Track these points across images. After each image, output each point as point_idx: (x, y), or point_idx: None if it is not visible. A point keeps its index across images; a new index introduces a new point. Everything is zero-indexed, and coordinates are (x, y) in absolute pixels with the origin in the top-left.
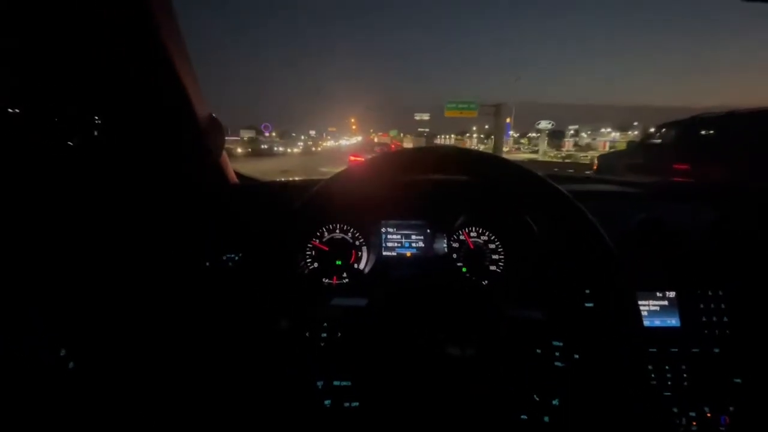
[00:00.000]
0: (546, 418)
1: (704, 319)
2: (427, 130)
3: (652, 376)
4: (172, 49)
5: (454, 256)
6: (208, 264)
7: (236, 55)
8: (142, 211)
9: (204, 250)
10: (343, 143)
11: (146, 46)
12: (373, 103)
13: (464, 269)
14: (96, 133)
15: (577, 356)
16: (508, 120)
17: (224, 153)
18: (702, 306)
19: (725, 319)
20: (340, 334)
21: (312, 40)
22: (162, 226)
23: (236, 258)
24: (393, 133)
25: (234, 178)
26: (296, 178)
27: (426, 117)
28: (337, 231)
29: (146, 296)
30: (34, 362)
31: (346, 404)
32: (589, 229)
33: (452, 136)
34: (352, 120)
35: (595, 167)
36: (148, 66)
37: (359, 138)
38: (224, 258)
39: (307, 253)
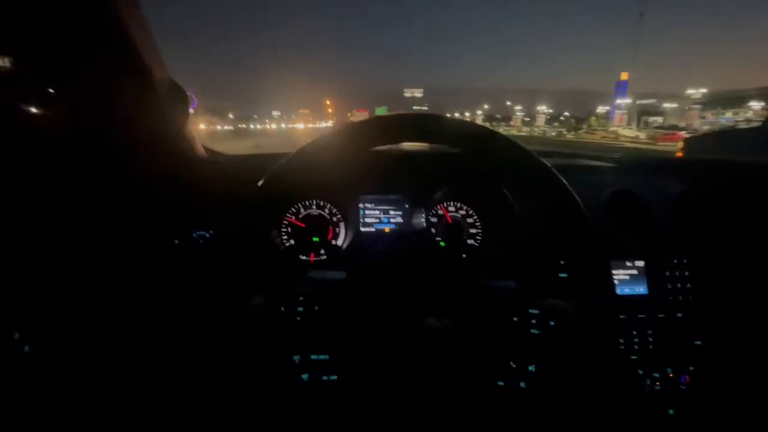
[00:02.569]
0: (522, 384)
1: (670, 286)
2: (425, 107)
3: (620, 341)
4: (126, 12)
5: (433, 230)
6: (177, 242)
7: (193, 24)
8: (100, 186)
9: (171, 228)
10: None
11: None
12: (353, 81)
13: (442, 243)
14: (47, 102)
15: (552, 323)
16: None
17: (190, 125)
18: (668, 274)
19: (689, 285)
20: (317, 308)
21: (277, 7)
22: (125, 204)
23: (207, 235)
24: (381, 110)
25: (202, 152)
26: (269, 153)
27: (419, 94)
28: (314, 207)
29: (111, 276)
30: None
31: (324, 378)
32: (568, 202)
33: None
34: (327, 102)
35: (679, 153)
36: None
37: (329, 123)
38: (194, 236)
39: (283, 230)
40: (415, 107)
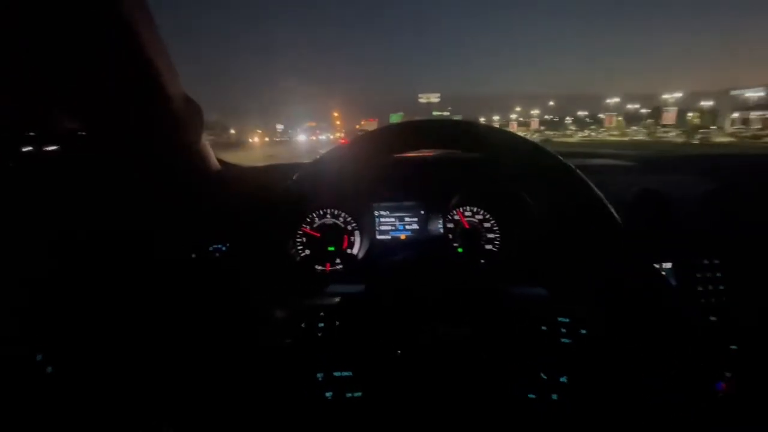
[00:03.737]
0: (554, 396)
1: (700, 288)
2: (445, 113)
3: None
4: (141, 25)
5: (450, 236)
6: (194, 256)
7: (208, 42)
8: (121, 203)
9: (189, 242)
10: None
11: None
12: (361, 91)
13: (460, 249)
14: (69, 128)
15: (584, 332)
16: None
17: (204, 139)
18: (698, 276)
19: (720, 287)
20: (338, 323)
21: (287, 18)
22: (142, 218)
23: (223, 248)
24: (396, 117)
25: (217, 165)
26: (282, 163)
27: (435, 99)
28: (328, 216)
29: (130, 293)
30: (10, 370)
31: (348, 395)
32: (595, 203)
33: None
34: (335, 114)
35: None
36: (115, 43)
37: (338, 134)
38: (211, 249)
39: (298, 240)
40: (435, 113)
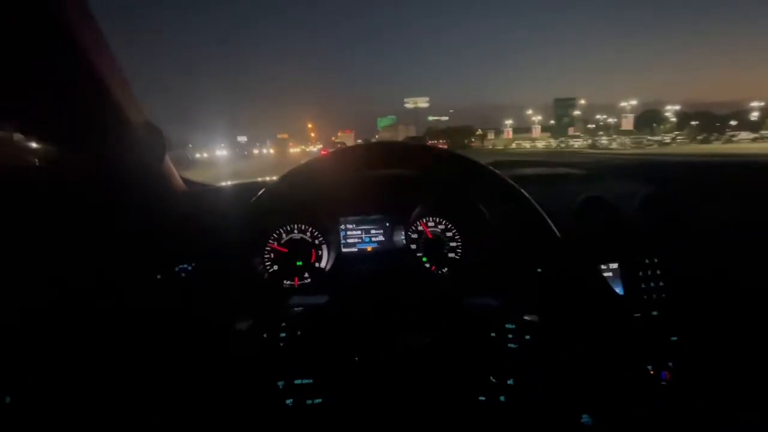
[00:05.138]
0: (502, 398)
1: (643, 285)
2: (444, 117)
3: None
4: (92, 50)
5: (413, 246)
6: (159, 277)
7: (162, 49)
8: (82, 228)
9: (154, 263)
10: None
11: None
12: (336, 103)
13: (424, 259)
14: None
15: (528, 337)
16: None
17: (167, 160)
18: (641, 274)
19: (661, 284)
20: (299, 333)
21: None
22: (105, 242)
23: (189, 268)
24: (386, 120)
25: (181, 185)
26: (247, 181)
27: (423, 104)
28: (296, 231)
29: (95, 317)
30: None
31: (309, 401)
32: (531, 213)
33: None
34: (309, 125)
35: None
36: (66, 68)
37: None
38: (176, 269)
39: (266, 256)
40: (430, 118)
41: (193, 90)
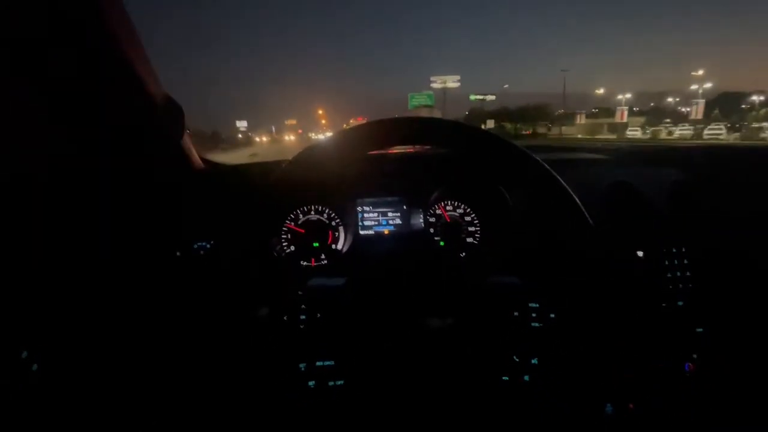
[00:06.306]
0: (526, 377)
1: (669, 275)
2: (491, 96)
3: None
4: (115, 23)
5: (431, 230)
6: (178, 254)
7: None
8: (103, 204)
9: (173, 240)
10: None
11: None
12: (351, 88)
13: (441, 243)
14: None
15: (552, 315)
16: None
17: (187, 137)
18: (667, 263)
19: (688, 273)
20: (319, 315)
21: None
22: (125, 218)
23: (208, 246)
24: (419, 97)
25: (200, 163)
26: (266, 161)
27: (453, 83)
28: (313, 212)
29: (115, 291)
30: None
31: (331, 383)
32: (563, 197)
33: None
34: (320, 111)
35: None
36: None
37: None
38: (195, 246)
39: (283, 236)
40: (474, 97)
41: (188, 71)
